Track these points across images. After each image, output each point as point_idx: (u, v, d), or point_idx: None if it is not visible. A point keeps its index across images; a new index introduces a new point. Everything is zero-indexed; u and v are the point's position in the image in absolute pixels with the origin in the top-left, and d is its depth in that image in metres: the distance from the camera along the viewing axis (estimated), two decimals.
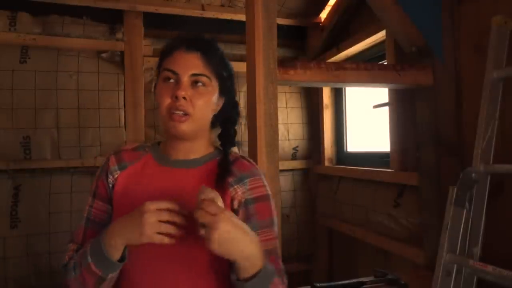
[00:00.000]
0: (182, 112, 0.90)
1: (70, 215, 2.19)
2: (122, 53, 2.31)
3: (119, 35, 2.31)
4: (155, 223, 0.79)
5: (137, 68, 2.32)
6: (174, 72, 0.92)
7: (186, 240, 0.84)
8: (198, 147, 1.00)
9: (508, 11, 1.40)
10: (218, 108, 1.00)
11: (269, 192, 0.99)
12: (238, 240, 0.77)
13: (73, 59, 2.26)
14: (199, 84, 0.93)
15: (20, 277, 2.09)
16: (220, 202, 0.80)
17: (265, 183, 0.99)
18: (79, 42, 2.24)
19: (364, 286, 1.55)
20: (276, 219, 0.99)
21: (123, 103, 2.32)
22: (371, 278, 1.62)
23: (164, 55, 0.98)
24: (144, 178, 0.97)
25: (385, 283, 1.57)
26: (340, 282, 1.59)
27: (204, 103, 0.93)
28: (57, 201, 2.18)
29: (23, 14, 2.16)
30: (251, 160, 1.04)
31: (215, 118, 1.01)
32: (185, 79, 0.92)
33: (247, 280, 0.80)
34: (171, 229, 0.79)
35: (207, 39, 1.00)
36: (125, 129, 2.32)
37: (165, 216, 0.79)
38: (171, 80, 0.93)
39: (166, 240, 0.79)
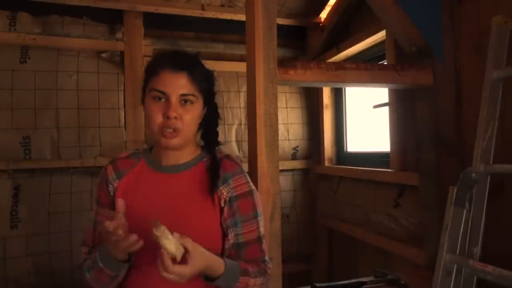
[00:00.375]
0: (172, 129, 1.00)
1: (70, 215, 2.19)
2: (122, 53, 2.31)
3: (119, 35, 2.31)
4: (116, 244, 0.89)
5: (137, 68, 2.32)
6: (163, 93, 1.00)
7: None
8: (187, 152, 1.10)
9: (508, 11, 1.40)
10: (202, 116, 1.10)
11: (252, 188, 1.10)
12: (200, 271, 0.92)
13: (73, 59, 2.25)
14: (188, 102, 1.02)
15: (20, 277, 2.09)
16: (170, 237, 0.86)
17: (248, 179, 1.10)
18: (79, 42, 2.24)
19: (364, 286, 1.55)
20: (260, 210, 1.10)
21: (123, 103, 2.32)
22: (371, 278, 1.62)
23: (150, 73, 1.05)
24: (140, 185, 1.07)
25: (385, 283, 1.57)
26: (340, 282, 1.59)
27: (192, 118, 1.03)
28: (57, 201, 2.18)
29: (23, 14, 2.16)
30: (235, 159, 1.13)
31: (199, 124, 1.11)
32: (174, 99, 1.00)
33: (213, 280, 0.96)
34: (129, 242, 0.88)
35: (191, 55, 1.09)
36: (125, 129, 2.32)
37: (119, 232, 0.87)
38: (162, 100, 1.01)
39: (134, 247, 0.90)
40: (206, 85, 1.08)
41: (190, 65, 1.04)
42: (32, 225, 2.12)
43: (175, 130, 1.00)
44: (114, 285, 1.01)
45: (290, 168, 2.73)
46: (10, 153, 2.12)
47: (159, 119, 1.00)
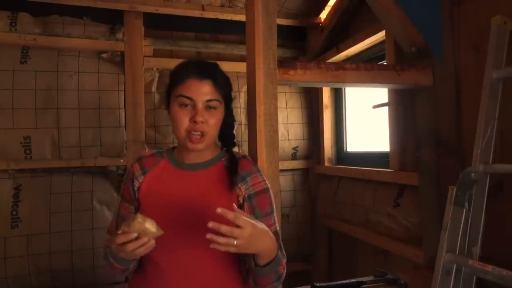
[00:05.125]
0: (199, 133, 1.09)
1: (70, 215, 2.19)
2: (122, 53, 2.32)
3: (119, 35, 2.32)
4: (130, 253, 0.94)
5: (137, 68, 2.33)
6: (190, 99, 1.09)
7: (202, 229, 0.98)
8: (208, 152, 1.18)
9: (507, 11, 1.40)
10: (222, 119, 1.18)
11: (268, 185, 1.18)
12: (258, 241, 0.95)
13: (73, 59, 2.26)
14: (212, 107, 1.11)
15: (20, 277, 2.09)
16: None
17: (263, 177, 1.18)
18: (79, 42, 2.24)
19: (364, 285, 1.55)
20: (274, 206, 1.18)
21: (123, 103, 2.33)
22: (370, 278, 1.62)
23: (177, 81, 1.12)
24: (164, 181, 1.16)
25: (384, 283, 1.58)
26: (340, 282, 1.59)
27: (216, 122, 1.12)
28: (58, 201, 2.18)
29: (23, 14, 2.16)
30: (250, 159, 1.22)
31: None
32: (200, 104, 1.09)
33: (264, 266, 1.01)
34: (142, 248, 0.94)
35: (213, 64, 1.17)
36: (125, 129, 2.32)
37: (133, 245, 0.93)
38: (188, 106, 1.09)
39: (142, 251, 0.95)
40: (227, 91, 1.17)
41: (214, 73, 1.12)
42: (32, 225, 2.13)
43: (202, 135, 1.09)
44: (127, 274, 1.12)
45: (290, 168, 2.74)
46: (10, 153, 2.12)
47: (185, 123, 1.08)
